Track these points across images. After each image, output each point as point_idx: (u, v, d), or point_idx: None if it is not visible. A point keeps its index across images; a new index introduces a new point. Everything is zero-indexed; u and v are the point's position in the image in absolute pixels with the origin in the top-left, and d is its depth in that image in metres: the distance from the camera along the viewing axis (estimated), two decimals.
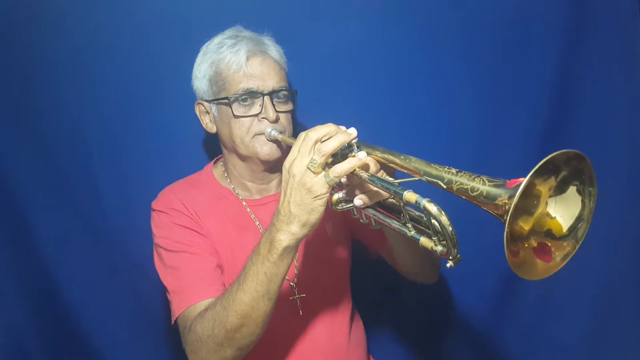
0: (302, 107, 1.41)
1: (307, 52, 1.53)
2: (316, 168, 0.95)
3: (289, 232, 0.99)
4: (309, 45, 1.54)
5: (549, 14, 1.58)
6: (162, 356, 1.67)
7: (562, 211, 0.80)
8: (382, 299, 1.74)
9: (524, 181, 0.71)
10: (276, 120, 1.26)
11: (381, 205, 1.06)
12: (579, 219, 0.80)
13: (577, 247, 0.79)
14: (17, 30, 1.42)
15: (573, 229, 0.80)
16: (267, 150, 1.27)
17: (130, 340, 1.63)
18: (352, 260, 1.47)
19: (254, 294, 1.03)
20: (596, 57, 1.59)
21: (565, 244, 0.80)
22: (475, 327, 1.77)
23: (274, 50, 1.31)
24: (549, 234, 0.82)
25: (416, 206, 0.86)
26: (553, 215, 0.81)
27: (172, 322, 1.21)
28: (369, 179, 0.96)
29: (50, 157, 1.50)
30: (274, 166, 1.33)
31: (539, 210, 0.81)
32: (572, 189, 0.78)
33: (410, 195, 0.87)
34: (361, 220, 1.12)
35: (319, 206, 0.97)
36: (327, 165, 0.99)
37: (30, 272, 1.50)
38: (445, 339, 1.80)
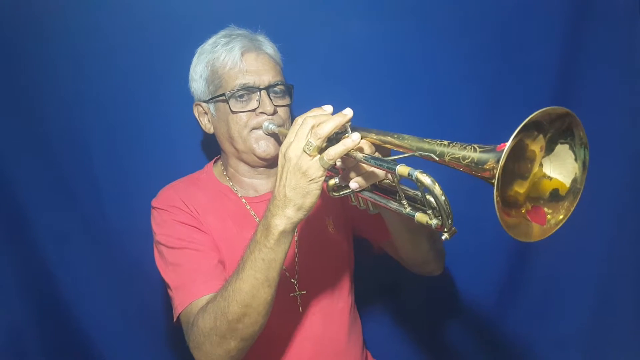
0: (302, 104, 1.42)
1: (307, 49, 1.55)
2: (312, 151, 0.95)
3: (285, 216, 0.99)
4: (308, 43, 1.56)
5: (549, 13, 1.59)
6: (163, 355, 1.66)
7: (559, 169, 0.79)
8: (382, 297, 1.72)
9: (508, 143, 0.71)
10: (274, 113, 1.27)
11: (377, 188, 1.05)
12: (574, 178, 0.79)
13: (572, 209, 0.78)
14: (17, 30, 1.45)
15: (572, 188, 0.79)
16: (263, 146, 1.28)
17: (131, 339, 1.62)
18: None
19: (253, 281, 1.03)
20: (596, 57, 1.60)
21: (561, 206, 0.79)
22: (475, 326, 1.75)
23: (268, 46, 1.33)
24: (547, 198, 0.80)
25: (409, 179, 0.86)
26: (550, 176, 0.80)
27: (175, 319, 1.20)
28: (362, 159, 0.96)
29: (50, 157, 1.52)
30: (273, 163, 1.34)
31: (533, 172, 0.80)
32: (562, 146, 0.77)
33: (402, 169, 0.87)
34: (359, 206, 1.12)
35: (314, 190, 0.97)
36: (322, 150, 0.99)
37: (30, 272, 1.51)
38: (445, 337, 1.78)
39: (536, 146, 0.78)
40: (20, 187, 1.50)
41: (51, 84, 1.49)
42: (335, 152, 0.94)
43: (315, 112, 1.01)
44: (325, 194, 1.10)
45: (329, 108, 1.02)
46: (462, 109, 1.64)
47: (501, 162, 0.71)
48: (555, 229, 0.77)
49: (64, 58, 1.49)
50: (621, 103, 1.62)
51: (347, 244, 1.44)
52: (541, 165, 0.80)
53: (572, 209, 0.77)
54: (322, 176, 0.97)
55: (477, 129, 1.63)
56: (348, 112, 0.98)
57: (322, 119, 0.97)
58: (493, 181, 0.73)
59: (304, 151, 0.95)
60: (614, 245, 1.64)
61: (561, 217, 0.77)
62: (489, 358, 1.74)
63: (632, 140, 1.63)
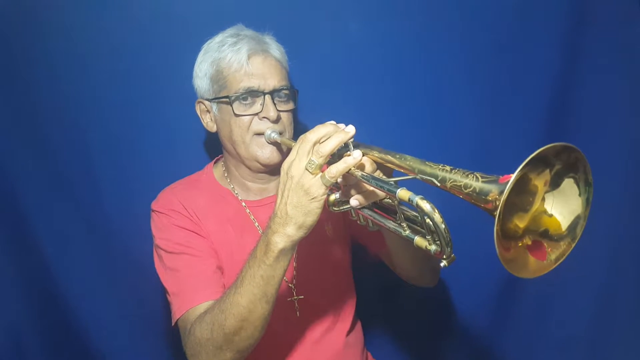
0: (304, 107, 1.41)
1: (309, 51, 1.53)
2: (314, 169, 0.94)
3: (285, 234, 0.98)
4: (310, 45, 1.54)
5: (549, 14, 1.57)
6: (163, 356, 1.67)
7: (561, 208, 0.78)
8: (382, 299, 1.73)
9: (512, 177, 0.70)
10: (277, 120, 1.26)
11: (378, 206, 1.05)
12: (577, 216, 0.78)
13: (573, 245, 0.77)
14: (17, 30, 1.43)
15: (572, 227, 0.78)
16: (267, 154, 1.27)
17: (131, 340, 1.63)
18: (352, 261, 1.47)
19: (251, 297, 1.03)
20: (596, 57, 1.58)
21: (561, 243, 0.78)
22: (475, 328, 1.75)
23: (276, 49, 1.31)
24: (546, 234, 0.80)
25: (409, 204, 0.85)
26: (551, 213, 0.79)
27: (173, 324, 1.21)
28: (363, 178, 0.95)
29: (50, 158, 1.51)
30: (275, 169, 1.33)
31: (535, 207, 0.79)
32: (568, 182, 0.76)
33: (403, 193, 0.86)
34: (358, 222, 1.11)
35: (315, 208, 0.96)
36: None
37: (30, 272, 1.51)
38: (445, 338, 1.79)
39: (540, 181, 0.77)
40: (20, 188, 1.49)
41: (52, 84, 1.48)
42: (336, 170, 0.94)
43: (318, 129, 0.99)
44: (327, 208, 1.10)
45: (331, 125, 1.00)
46: (463, 110, 1.64)
47: (504, 196, 0.71)
48: (554, 266, 0.76)
49: (65, 58, 1.47)
50: (621, 104, 1.61)
51: (345, 248, 1.44)
52: (544, 199, 0.79)
53: (570, 249, 0.76)
54: (323, 194, 0.96)
55: (477, 130, 1.63)
56: (350, 130, 0.97)
57: (323, 133, 0.96)
58: (495, 213, 0.72)
59: (306, 169, 0.95)
60: (615, 247, 1.63)
61: (554, 256, 0.76)
62: (489, 359, 1.75)
63: (632, 140, 1.62)
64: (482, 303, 1.72)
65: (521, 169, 0.70)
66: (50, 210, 1.52)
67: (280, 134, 1.26)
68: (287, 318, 1.32)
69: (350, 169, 0.96)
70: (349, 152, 0.97)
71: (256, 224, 1.34)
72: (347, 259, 1.45)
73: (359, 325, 1.48)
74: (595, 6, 1.56)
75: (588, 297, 1.66)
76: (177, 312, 1.19)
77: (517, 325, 1.72)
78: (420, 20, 1.58)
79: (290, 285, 1.33)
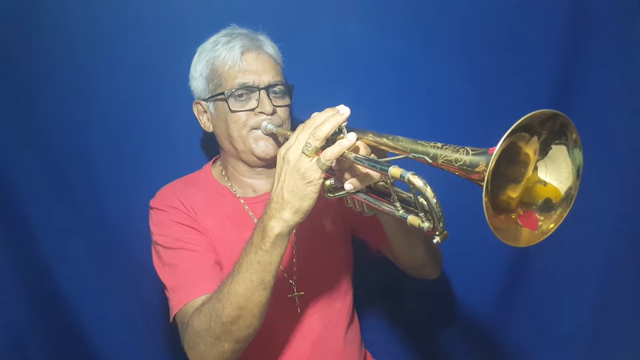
0: (302, 104, 1.42)
1: (307, 49, 1.55)
2: (310, 152, 0.95)
3: (281, 218, 0.98)
4: (308, 43, 1.56)
5: (549, 14, 1.58)
6: (163, 355, 1.66)
7: (554, 175, 0.78)
8: (382, 296, 1.71)
9: (498, 145, 0.70)
10: (273, 113, 1.26)
11: (372, 190, 1.05)
12: (569, 186, 0.77)
13: (565, 215, 0.76)
14: (17, 30, 1.45)
15: (565, 195, 0.77)
16: (262, 146, 1.28)
17: (131, 339, 1.62)
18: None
19: (248, 284, 1.02)
20: (596, 58, 1.59)
21: (552, 213, 0.77)
22: (475, 326, 1.74)
23: (269, 46, 1.32)
24: (538, 203, 0.79)
25: (402, 180, 0.85)
26: (544, 181, 0.79)
27: (171, 320, 1.21)
28: (356, 160, 0.95)
29: (50, 157, 1.52)
30: (272, 163, 1.33)
31: (528, 176, 0.79)
32: (557, 149, 0.76)
33: (395, 170, 0.86)
34: (354, 208, 1.11)
35: (311, 192, 0.96)
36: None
37: (30, 272, 1.51)
38: (445, 337, 1.77)
39: (530, 149, 0.77)
40: (20, 187, 1.50)
41: (51, 84, 1.49)
42: (331, 153, 0.94)
43: (317, 116, 1.00)
44: (323, 194, 1.10)
45: (329, 111, 1.01)
46: (463, 109, 1.64)
47: (490, 165, 0.71)
48: (546, 236, 0.75)
49: (64, 58, 1.49)
50: (621, 103, 1.61)
51: (345, 244, 1.44)
52: (536, 169, 0.78)
53: (564, 216, 0.75)
54: (319, 178, 0.96)
55: (477, 129, 1.60)
56: (345, 111, 0.98)
57: (321, 120, 0.97)
58: (482, 184, 0.72)
59: (303, 152, 0.95)
60: (614, 245, 1.63)
61: (552, 224, 0.76)
62: (488, 358, 1.74)
63: (631, 140, 1.62)
64: (482, 301, 1.71)
65: (505, 139, 0.70)
66: (50, 210, 1.52)
67: (278, 127, 1.27)
68: (288, 314, 1.32)
69: (344, 152, 0.96)
70: (342, 135, 0.97)
71: (255, 220, 1.34)
72: (348, 255, 1.45)
73: (357, 322, 1.47)
74: (596, 6, 1.57)
75: (589, 292, 1.65)
76: (175, 307, 1.18)
77: (517, 322, 1.71)
78: (420, 19, 1.59)
79: (290, 281, 1.33)
